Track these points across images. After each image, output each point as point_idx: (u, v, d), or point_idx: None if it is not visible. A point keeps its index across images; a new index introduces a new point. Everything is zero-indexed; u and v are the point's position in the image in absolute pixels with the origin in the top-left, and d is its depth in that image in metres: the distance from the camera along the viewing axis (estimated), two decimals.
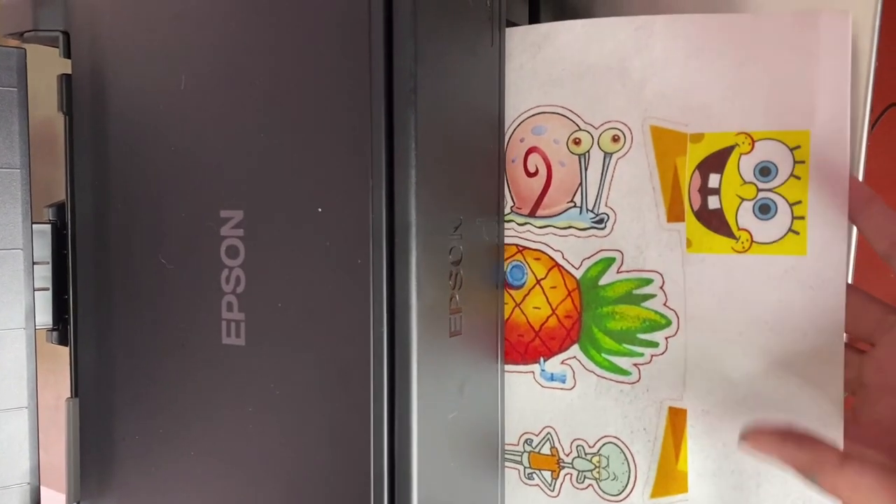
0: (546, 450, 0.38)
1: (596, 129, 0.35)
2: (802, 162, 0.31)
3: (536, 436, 0.38)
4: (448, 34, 0.33)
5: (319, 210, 0.32)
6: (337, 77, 0.31)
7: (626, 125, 0.35)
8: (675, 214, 0.34)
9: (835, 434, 0.32)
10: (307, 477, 0.33)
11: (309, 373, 0.32)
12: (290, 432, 0.33)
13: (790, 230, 0.32)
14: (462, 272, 0.34)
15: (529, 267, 0.38)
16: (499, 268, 0.38)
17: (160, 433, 0.37)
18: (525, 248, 0.38)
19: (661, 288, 0.34)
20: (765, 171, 0.32)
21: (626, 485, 0.36)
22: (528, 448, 0.38)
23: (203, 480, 0.36)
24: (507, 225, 0.38)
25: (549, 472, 0.38)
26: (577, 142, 0.36)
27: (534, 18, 0.41)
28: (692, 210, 0.34)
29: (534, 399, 0.38)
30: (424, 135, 0.31)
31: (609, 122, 0.35)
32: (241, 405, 0.34)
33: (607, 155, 0.35)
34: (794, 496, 0.33)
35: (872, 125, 0.39)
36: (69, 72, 0.40)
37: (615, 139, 0.35)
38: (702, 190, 0.33)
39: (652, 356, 0.35)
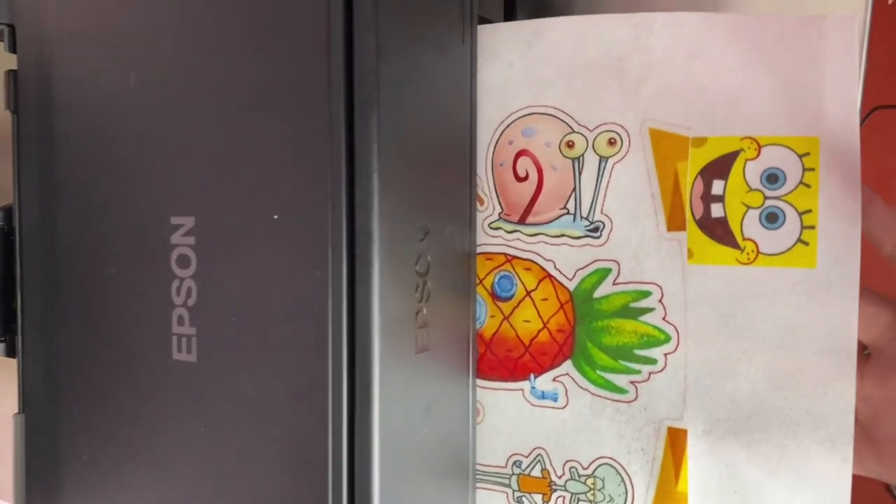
0: (537, 472, 0.35)
1: (591, 131, 0.33)
2: (812, 169, 0.30)
3: (526, 457, 0.36)
4: (414, 30, 0.30)
5: (275, 217, 0.29)
6: (293, 74, 0.29)
7: (623, 128, 0.33)
8: (675, 223, 0.32)
9: (844, 455, 0.30)
10: (261, 500, 0.31)
11: (263, 391, 0.30)
12: (243, 454, 0.31)
13: (799, 240, 0.30)
14: (430, 284, 0.32)
15: (519, 277, 0.35)
16: (470, 279, 0.35)
17: (109, 452, 0.35)
18: (514, 257, 0.35)
19: (660, 301, 0.32)
20: (772, 178, 0.30)
21: None
22: (517, 470, 0.36)
23: (152, 502, 0.34)
24: (494, 233, 0.36)
25: (540, 496, 0.35)
26: (571, 145, 0.34)
27: (509, 16, 0.39)
28: (694, 218, 0.32)
29: (523, 418, 0.36)
30: (388, 136, 0.29)
31: (605, 124, 0.33)
32: (193, 425, 0.32)
33: (603, 159, 0.33)
34: None
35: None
36: (15, 67, 0.36)
37: (611, 142, 0.33)
38: (704, 197, 0.31)
39: (650, 374, 0.33)
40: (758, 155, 0.30)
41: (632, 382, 0.33)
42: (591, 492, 0.34)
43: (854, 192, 0.29)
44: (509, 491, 0.36)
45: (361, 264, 0.28)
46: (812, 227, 0.30)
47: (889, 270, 0.30)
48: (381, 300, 0.29)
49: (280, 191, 0.29)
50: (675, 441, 0.33)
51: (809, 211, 0.30)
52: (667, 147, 0.32)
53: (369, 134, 0.28)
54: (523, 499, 0.36)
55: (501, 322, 0.36)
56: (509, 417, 0.36)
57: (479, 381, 0.37)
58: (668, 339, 0.32)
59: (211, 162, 0.31)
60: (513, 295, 0.36)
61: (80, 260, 0.35)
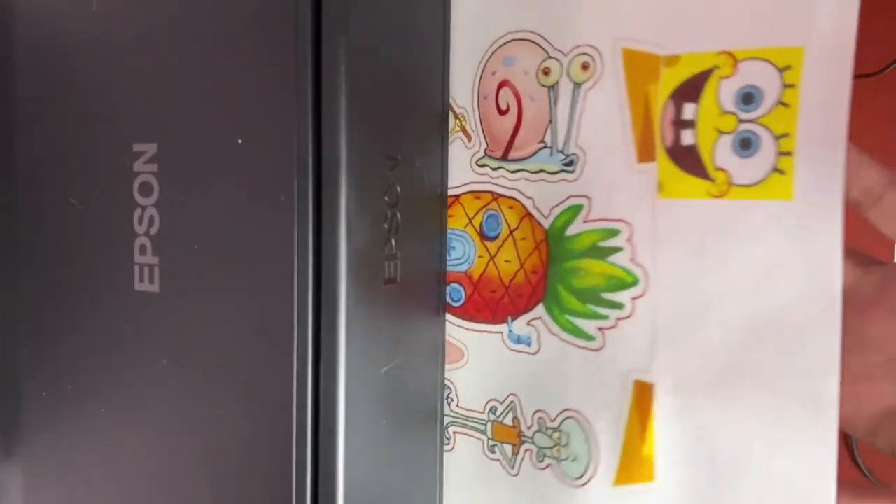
0: (508, 420, 0.34)
1: (566, 55, 0.31)
2: (792, 86, 0.25)
3: (501, 403, 0.34)
4: None
5: (239, 142, 0.29)
6: None
7: (596, 50, 0.30)
8: (646, 153, 0.29)
9: (829, 417, 0.25)
10: (225, 436, 0.30)
11: (227, 323, 0.30)
12: (206, 388, 0.31)
13: (774, 169, 0.26)
14: (399, 216, 0.31)
15: (504, 216, 0.34)
16: (441, 214, 0.34)
17: (69, 390, 0.35)
18: (500, 195, 0.34)
19: (629, 240, 0.29)
20: (748, 97, 0.26)
21: (587, 468, 0.31)
22: (492, 417, 0.34)
23: (114, 440, 0.34)
24: (481, 170, 0.34)
25: (510, 447, 0.34)
26: (547, 72, 0.31)
27: None
28: (665, 147, 0.28)
29: (501, 363, 0.34)
30: (356, 59, 0.28)
31: (579, 46, 0.30)
32: (155, 358, 0.32)
33: (577, 86, 0.31)
34: (779, 492, 0.27)
35: None
36: None
37: (584, 66, 0.30)
38: (675, 122, 0.28)
39: (617, 320, 0.30)
40: (734, 72, 0.27)
41: (599, 329, 0.30)
42: (557, 447, 0.32)
43: (840, 112, 0.24)
44: (484, 438, 0.35)
45: (328, 190, 0.28)
46: (789, 154, 0.25)
47: (853, 219, 0.25)
48: (349, 227, 0.28)
49: (245, 114, 0.29)
50: (642, 396, 0.30)
51: (786, 135, 0.25)
52: (639, 69, 0.29)
53: (337, 55, 0.28)
54: (496, 448, 0.34)
55: (488, 262, 0.34)
56: (489, 361, 0.34)
57: (466, 323, 0.35)
58: (635, 281, 0.29)
59: (174, 86, 0.31)
60: (498, 234, 0.34)
61: (40, 190, 0.36)
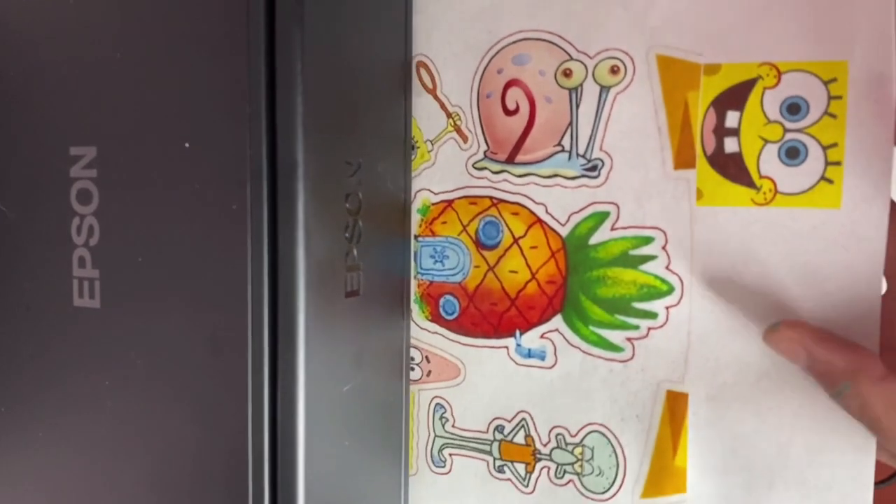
0: (520, 438, 0.32)
1: (591, 58, 0.30)
2: (839, 97, 0.26)
3: (509, 422, 0.32)
4: None
5: (186, 145, 0.27)
6: None
7: (627, 54, 0.29)
8: (683, 160, 0.28)
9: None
10: (174, 462, 0.28)
11: (175, 340, 0.28)
12: (154, 410, 0.28)
13: (822, 178, 0.26)
14: (361, 224, 0.29)
15: (506, 223, 0.32)
16: (406, 221, 0.33)
17: (2, 412, 0.32)
18: (501, 200, 0.32)
19: (664, 248, 0.29)
20: (793, 108, 0.27)
21: (613, 482, 0.30)
22: (498, 436, 0.32)
23: (54, 466, 0.31)
24: (479, 174, 0.32)
25: (524, 465, 0.32)
26: (568, 73, 0.30)
27: None
28: (705, 154, 0.28)
29: (507, 379, 0.32)
30: (312, 54, 0.26)
31: (607, 50, 0.29)
32: (97, 378, 0.29)
33: (604, 89, 0.29)
34: (815, 498, 0.27)
35: None
36: None
37: (614, 70, 0.29)
38: (717, 130, 0.28)
39: (649, 329, 0.29)
40: (777, 82, 0.27)
41: (628, 339, 0.30)
42: (579, 463, 0.31)
43: (887, 122, 0.26)
44: (490, 459, 0.33)
45: (284, 197, 0.26)
46: (838, 164, 0.26)
47: None
48: (307, 237, 0.26)
49: (192, 115, 0.27)
50: (675, 407, 0.29)
51: (835, 145, 0.26)
52: (676, 75, 0.28)
53: (292, 50, 0.26)
54: (505, 468, 0.32)
55: (486, 273, 0.32)
56: (492, 378, 0.32)
57: (461, 338, 0.33)
58: (670, 290, 0.29)
59: (115, 83, 0.28)
60: (499, 243, 0.32)
61: None
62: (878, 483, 0.27)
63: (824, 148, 0.26)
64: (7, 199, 0.31)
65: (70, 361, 0.30)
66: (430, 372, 0.34)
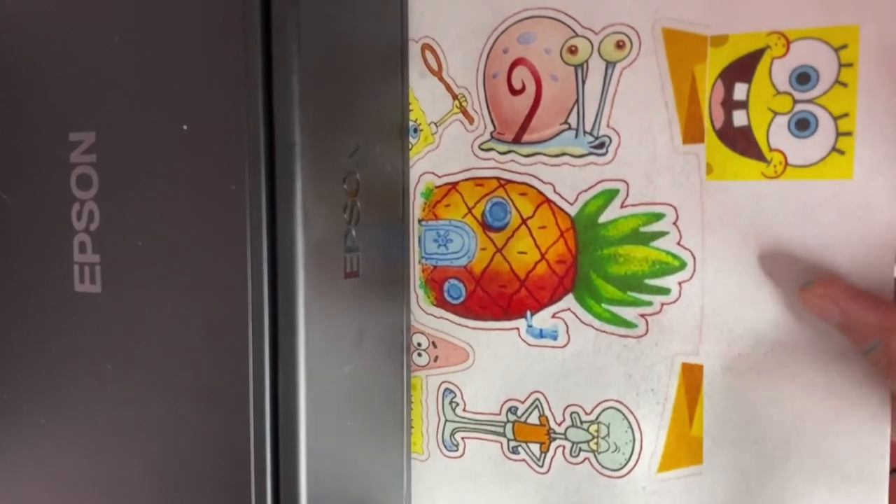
0: (534, 419, 0.32)
1: (596, 34, 0.29)
2: (850, 65, 0.26)
3: (522, 403, 0.32)
4: None
5: (184, 127, 0.27)
6: None
7: (633, 28, 0.29)
8: (692, 134, 0.28)
9: (880, 393, 0.27)
10: (176, 444, 0.28)
11: (176, 324, 0.28)
12: (155, 392, 0.28)
13: (834, 149, 0.27)
14: (360, 205, 0.29)
15: (513, 204, 0.32)
16: (405, 203, 0.33)
17: (5, 399, 0.32)
18: (508, 181, 0.32)
19: (675, 224, 0.29)
20: (803, 77, 0.27)
21: (630, 457, 0.30)
22: (512, 417, 0.32)
23: (56, 451, 0.31)
24: (486, 154, 0.32)
25: (538, 445, 0.32)
26: (574, 50, 0.30)
27: None
28: (714, 128, 0.28)
29: (519, 360, 0.32)
30: (308, 35, 0.26)
31: (612, 25, 0.29)
32: (99, 363, 0.30)
33: (610, 65, 0.29)
34: (830, 469, 0.28)
35: None
36: None
37: (619, 45, 0.29)
38: (725, 103, 0.28)
39: (662, 305, 0.29)
40: (786, 52, 0.27)
41: (641, 315, 0.30)
42: (595, 440, 0.31)
43: None
44: (504, 440, 0.33)
45: (282, 178, 0.26)
46: (849, 134, 0.26)
47: None
48: (305, 217, 0.26)
49: (190, 97, 0.27)
50: (690, 378, 0.29)
51: (846, 115, 0.26)
52: (682, 48, 0.28)
53: (288, 31, 0.25)
54: (519, 448, 0.32)
55: (494, 255, 0.32)
56: (503, 359, 0.32)
57: (469, 322, 0.33)
58: (682, 265, 0.29)
59: (113, 68, 0.28)
60: (507, 224, 0.32)
61: None
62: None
63: (835, 118, 0.26)
64: (7, 185, 0.31)
65: (72, 346, 0.30)
66: (437, 357, 0.34)
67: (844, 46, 0.26)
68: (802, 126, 0.27)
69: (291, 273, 0.26)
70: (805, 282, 0.27)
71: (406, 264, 0.33)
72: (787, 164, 0.27)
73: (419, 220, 0.33)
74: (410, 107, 0.33)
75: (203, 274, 0.27)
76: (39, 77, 0.30)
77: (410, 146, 0.33)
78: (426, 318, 0.34)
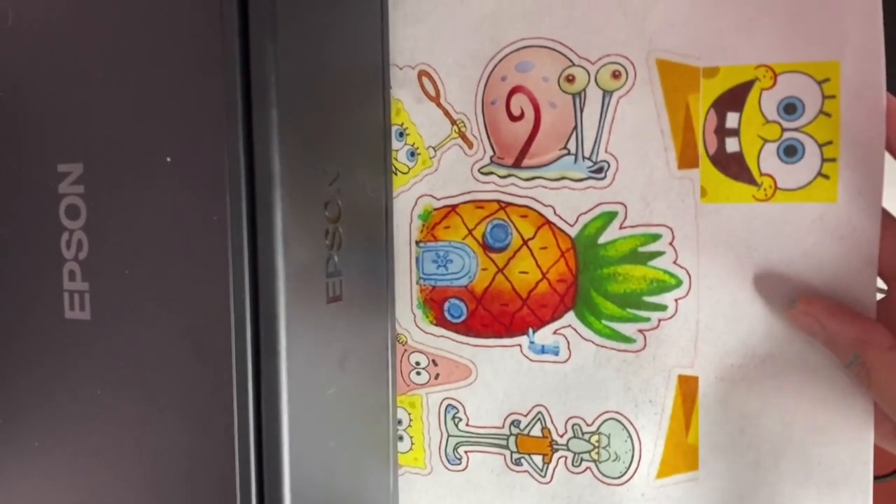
0: (536, 431, 0.33)
1: (592, 64, 0.31)
2: (833, 97, 0.28)
3: (525, 416, 0.33)
4: None
5: (168, 160, 0.27)
6: (183, 2, 0.27)
7: (628, 59, 0.30)
8: (687, 160, 0.30)
9: (864, 402, 0.29)
10: (165, 466, 0.29)
11: (163, 349, 0.28)
12: (143, 416, 0.29)
13: (819, 174, 0.29)
14: (341, 230, 0.30)
15: (514, 226, 0.33)
16: (387, 227, 0.34)
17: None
18: (509, 204, 0.33)
19: (671, 244, 0.30)
20: (790, 108, 0.29)
21: (630, 465, 0.32)
22: (515, 430, 0.34)
23: (49, 475, 0.32)
24: (486, 178, 0.33)
25: (541, 457, 0.33)
26: (571, 79, 0.31)
27: None
28: (707, 154, 0.30)
29: (521, 375, 0.33)
30: (286, 68, 0.27)
31: (608, 55, 0.30)
32: (89, 388, 0.30)
33: (606, 93, 0.31)
34: (818, 475, 0.30)
35: None
36: None
37: (616, 75, 0.30)
38: (718, 131, 0.29)
39: (659, 320, 0.31)
40: (774, 84, 0.29)
41: (640, 331, 0.31)
42: (596, 450, 0.32)
43: (878, 118, 0.28)
44: (507, 453, 0.34)
45: (262, 208, 0.27)
46: (833, 160, 0.28)
47: None
48: (286, 246, 0.27)
49: (173, 131, 0.27)
50: (686, 389, 0.31)
51: (830, 142, 0.28)
52: (676, 79, 0.30)
53: (265, 64, 0.26)
54: (522, 460, 0.34)
55: (495, 275, 0.33)
56: (505, 375, 0.33)
57: (471, 339, 0.34)
58: (679, 283, 0.31)
59: (98, 102, 0.29)
60: (507, 245, 0.33)
61: None
62: (882, 477, 0.29)
63: (820, 145, 0.28)
64: None
65: (63, 372, 0.31)
66: (437, 375, 0.35)
67: (827, 80, 0.28)
68: (790, 152, 0.29)
69: (273, 300, 0.27)
70: (790, 300, 0.29)
71: (390, 286, 0.34)
72: (776, 187, 0.29)
73: (416, 242, 0.34)
74: (408, 131, 0.34)
75: (188, 301, 0.28)
76: (29, 111, 0.30)
77: (408, 169, 0.34)
78: (425, 337, 0.35)
